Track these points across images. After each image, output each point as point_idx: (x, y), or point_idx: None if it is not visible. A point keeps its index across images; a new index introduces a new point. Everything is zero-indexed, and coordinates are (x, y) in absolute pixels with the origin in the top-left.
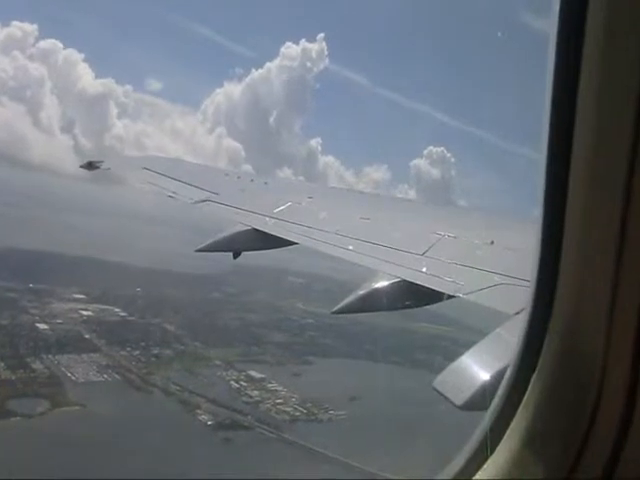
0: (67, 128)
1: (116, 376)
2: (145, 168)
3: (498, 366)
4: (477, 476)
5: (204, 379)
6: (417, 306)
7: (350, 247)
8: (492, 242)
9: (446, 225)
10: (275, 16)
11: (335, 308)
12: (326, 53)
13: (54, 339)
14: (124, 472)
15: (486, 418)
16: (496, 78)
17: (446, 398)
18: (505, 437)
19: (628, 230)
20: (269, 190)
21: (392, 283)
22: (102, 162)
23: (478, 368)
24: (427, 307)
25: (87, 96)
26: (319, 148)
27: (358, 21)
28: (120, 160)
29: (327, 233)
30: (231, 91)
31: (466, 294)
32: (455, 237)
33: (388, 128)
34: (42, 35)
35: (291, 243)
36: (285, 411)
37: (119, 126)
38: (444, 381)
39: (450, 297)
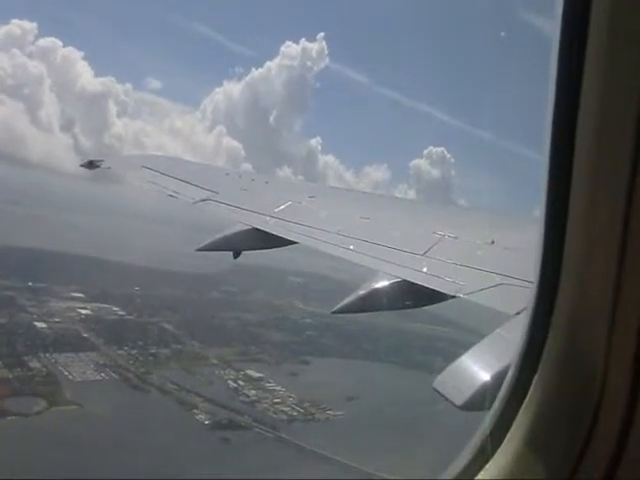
0: (66, 126)
1: (113, 375)
2: (145, 167)
3: (498, 366)
4: (479, 476)
5: (202, 378)
6: (417, 306)
7: (350, 247)
8: (492, 242)
9: (446, 225)
10: (275, 15)
11: (335, 308)
12: (326, 52)
13: (52, 338)
14: (121, 471)
15: (488, 418)
16: (496, 78)
17: (446, 398)
18: (507, 437)
19: (630, 230)
20: (269, 189)
21: (392, 283)
22: (102, 161)
23: (478, 368)
24: (426, 307)
25: (86, 94)
26: (319, 147)
27: (358, 21)
28: (120, 159)
29: (327, 233)
30: (231, 90)
31: (467, 294)
32: (455, 237)
33: (388, 128)
34: (41, 33)
35: (291, 242)
36: (283, 411)
37: (118, 125)
38: (444, 381)
39: (451, 297)
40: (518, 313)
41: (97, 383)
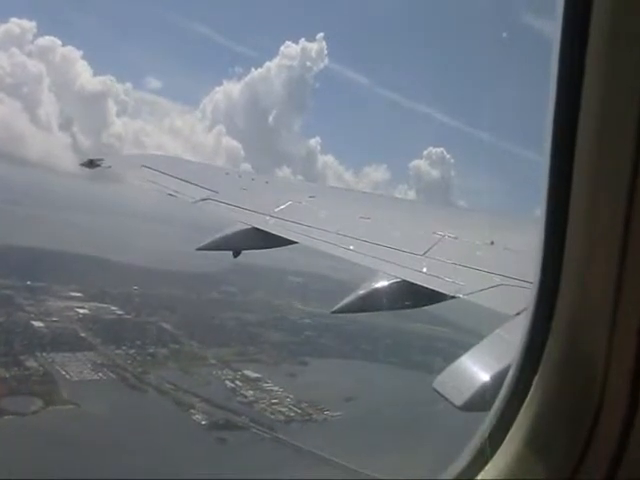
0: (65, 126)
1: (111, 375)
2: (146, 166)
3: (498, 367)
4: (479, 477)
5: (199, 378)
6: (417, 306)
7: (350, 247)
8: (492, 243)
9: (446, 225)
10: (275, 15)
11: (335, 307)
12: (326, 52)
13: (49, 337)
14: (118, 471)
15: (488, 419)
16: (496, 79)
17: (446, 399)
18: (507, 438)
19: (631, 231)
20: (269, 189)
21: (392, 283)
22: (103, 160)
23: (478, 369)
24: (425, 308)
25: (85, 94)
26: (318, 148)
27: (358, 21)
28: (120, 158)
29: (327, 232)
30: (230, 90)
31: (466, 295)
32: (455, 237)
33: (388, 128)
34: (40, 32)
35: (291, 242)
36: (280, 411)
37: (118, 124)
38: (444, 382)
39: (450, 298)
40: (518, 314)
41: (94, 383)
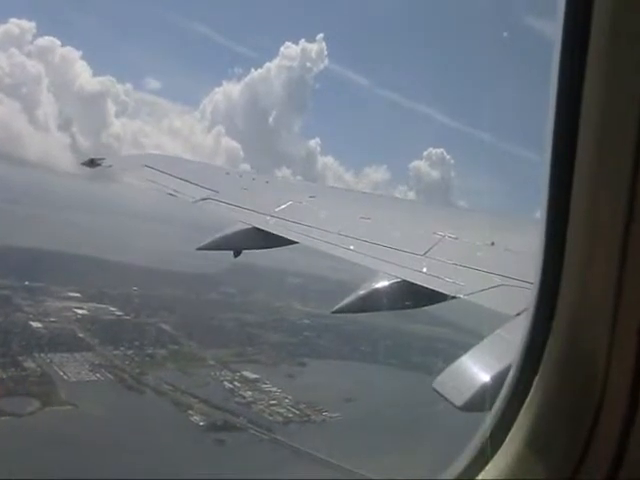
0: (64, 126)
1: (108, 375)
2: (146, 166)
3: (498, 367)
4: (480, 477)
5: (198, 379)
6: (417, 306)
7: (351, 247)
8: (493, 243)
9: (447, 226)
10: (275, 16)
11: (335, 308)
12: (326, 53)
13: (47, 337)
14: (115, 472)
15: (488, 419)
16: (496, 79)
17: (446, 399)
18: (508, 438)
19: (632, 232)
20: (270, 189)
21: (392, 283)
22: (104, 159)
23: (478, 369)
24: (425, 308)
25: (85, 94)
26: (318, 148)
27: (358, 21)
28: (121, 158)
29: (328, 232)
30: (230, 90)
31: (467, 295)
32: (456, 238)
33: (388, 129)
34: (40, 32)
35: (292, 242)
36: (278, 412)
37: (117, 125)
38: (444, 382)
39: (451, 298)
40: (519, 314)
41: (92, 383)
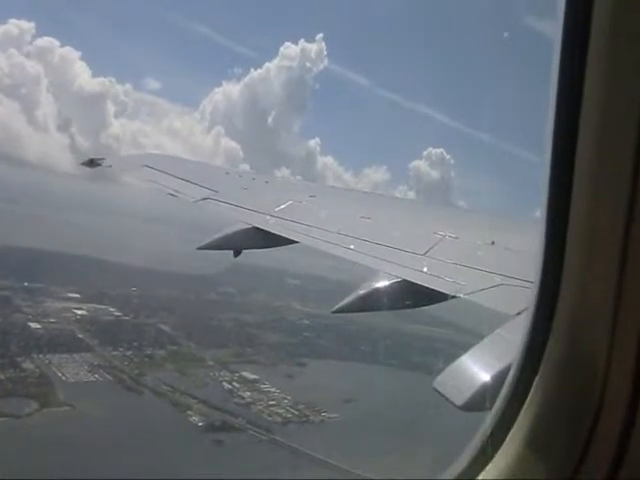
0: (63, 126)
1: (107, 376)
2: (146, 166)
3: (499, 367)
4: (480, 477)
5: (196, 380)
6: (418, 306)
7: (351, 246)
8: (493, 243)
9: (447, 225)
10: (274, 16)
11: (335, 307)
12: (325, 53)
13: (46, 338)
14: (113, 473)
15: (488, 419)
16: (496, 80)
17: (446, 398)
18: (508, 438)
19: (632, 233)
20: (270, 189)
21: (393, 283)
22: (104, 159)
23: (478, 369)
24: (426, 308)
25: (84, 94)
26: (318, 149)
27: (358, 21)
28: (121, 158)
29: (328, 232)
30: (230, 91)
31: (467, 294)
32: (456, 237)
33: (387, 129)
34: (39, 33)
35: (292, 242)
36: (277, 413)
37: (116, 125)
38: (444, 381)
39: (451, 297)
40: (519, 313)
41: (90, 384)
